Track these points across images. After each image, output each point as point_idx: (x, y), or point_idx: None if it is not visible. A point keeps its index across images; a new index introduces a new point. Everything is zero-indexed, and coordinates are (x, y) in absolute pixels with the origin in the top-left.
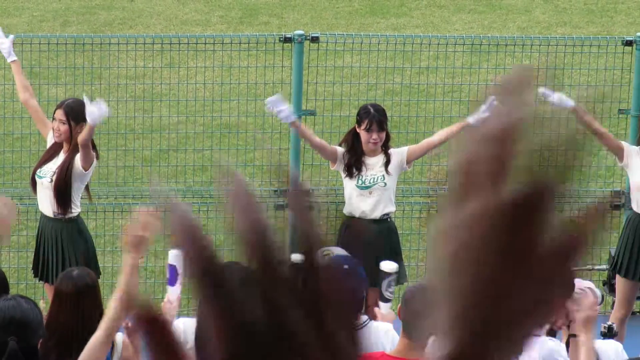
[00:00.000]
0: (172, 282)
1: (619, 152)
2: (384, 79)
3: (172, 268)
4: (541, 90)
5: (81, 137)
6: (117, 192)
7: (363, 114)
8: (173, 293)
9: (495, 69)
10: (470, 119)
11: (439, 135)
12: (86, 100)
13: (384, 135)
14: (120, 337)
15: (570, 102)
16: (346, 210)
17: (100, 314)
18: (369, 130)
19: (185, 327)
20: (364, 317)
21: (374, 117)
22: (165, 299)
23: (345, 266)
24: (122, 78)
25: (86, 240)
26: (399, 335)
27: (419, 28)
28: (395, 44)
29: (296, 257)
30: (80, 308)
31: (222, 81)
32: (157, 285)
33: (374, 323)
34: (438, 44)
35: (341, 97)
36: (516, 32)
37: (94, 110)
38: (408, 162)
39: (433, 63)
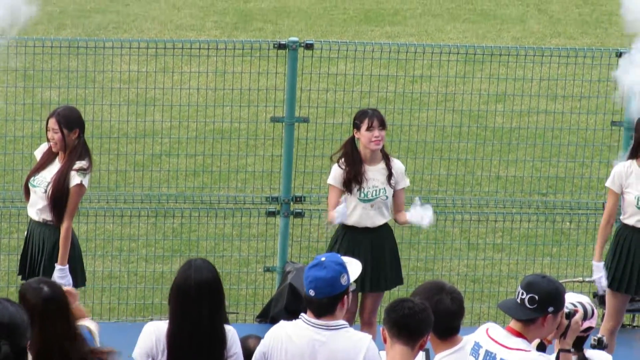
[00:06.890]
0: None
1: (619, 197)
2: (377, 86)
3: None
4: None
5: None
6: (108, 196)
7: (361, 115)
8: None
9: (489, 79)
10: (409, 216)
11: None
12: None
13: (384, 133)
14: (94, 325)
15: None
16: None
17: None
18: (370, 128)
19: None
20: (341, 322)
21: (374, 114)
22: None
23: (324, 271)
24: (115, 82)
25: (73, 246)
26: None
27: (413, 36)
28: (390, 52)
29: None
30: (46, 323)
31: (215, 86)
32: (147, 290)
33: (350, 330)
34: (432, 52)
35: (334, 104)
36: (510, 42)
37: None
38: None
39: (427, 72)
